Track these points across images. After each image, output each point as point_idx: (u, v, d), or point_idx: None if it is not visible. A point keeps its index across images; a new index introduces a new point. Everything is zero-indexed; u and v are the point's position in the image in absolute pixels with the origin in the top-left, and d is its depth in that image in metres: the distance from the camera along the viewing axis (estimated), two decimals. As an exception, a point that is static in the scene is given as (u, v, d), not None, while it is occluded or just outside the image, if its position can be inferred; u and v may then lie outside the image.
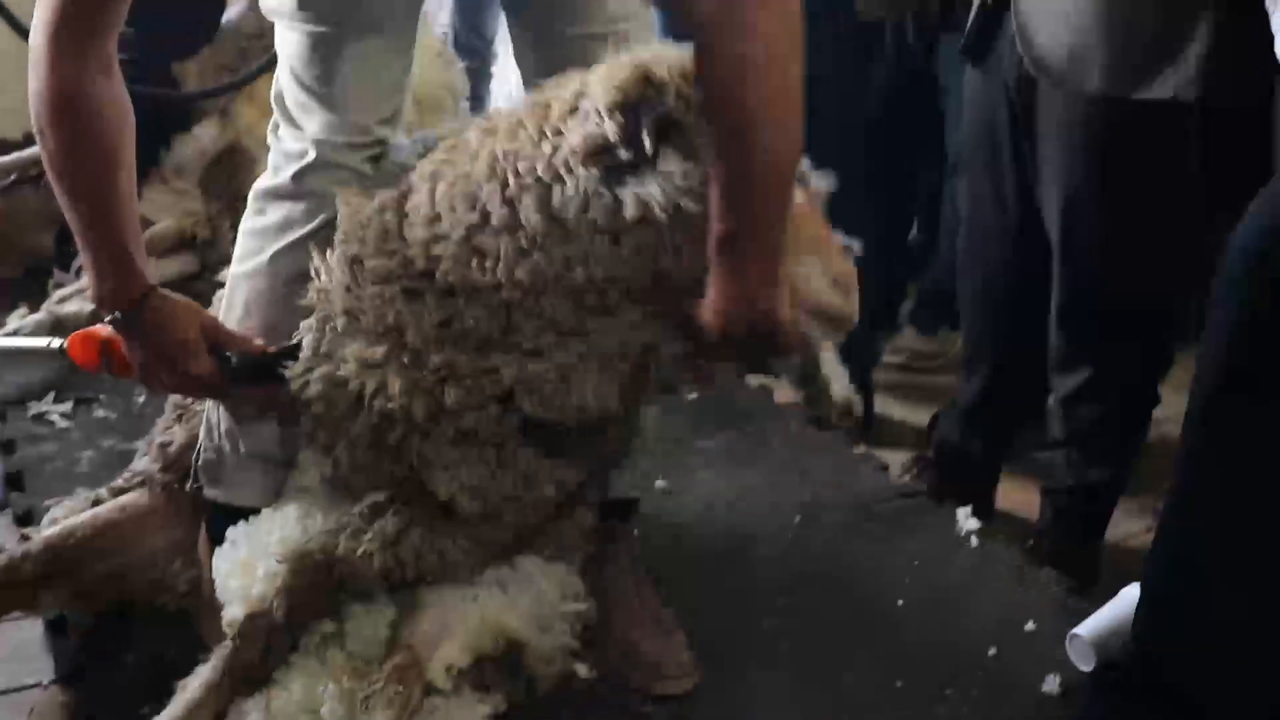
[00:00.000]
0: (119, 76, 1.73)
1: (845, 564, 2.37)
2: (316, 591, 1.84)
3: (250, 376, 1.86)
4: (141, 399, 2.87)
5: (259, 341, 1.87)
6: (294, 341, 1.85)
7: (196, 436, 2.06)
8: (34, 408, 2.82)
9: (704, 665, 2.05)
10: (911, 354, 3.47)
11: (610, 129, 1.59)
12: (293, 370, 1.83)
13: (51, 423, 2.78)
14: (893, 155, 3.16)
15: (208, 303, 2.01)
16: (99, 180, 1.72)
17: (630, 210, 1.61)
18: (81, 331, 1.90)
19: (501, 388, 1.77)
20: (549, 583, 1.96)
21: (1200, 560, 1.77)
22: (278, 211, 1.93)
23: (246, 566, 1.89)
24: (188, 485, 2.05)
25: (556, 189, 1.65)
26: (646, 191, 1.59)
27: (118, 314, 1.78)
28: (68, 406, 2.83)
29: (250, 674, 1.81)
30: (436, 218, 1.74)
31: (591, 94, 1.63)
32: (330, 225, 1.87)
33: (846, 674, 2.07)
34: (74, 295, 3.20)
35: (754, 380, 2.99)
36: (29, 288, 3.34)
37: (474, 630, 1.88)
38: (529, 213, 1.67)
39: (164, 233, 3.33)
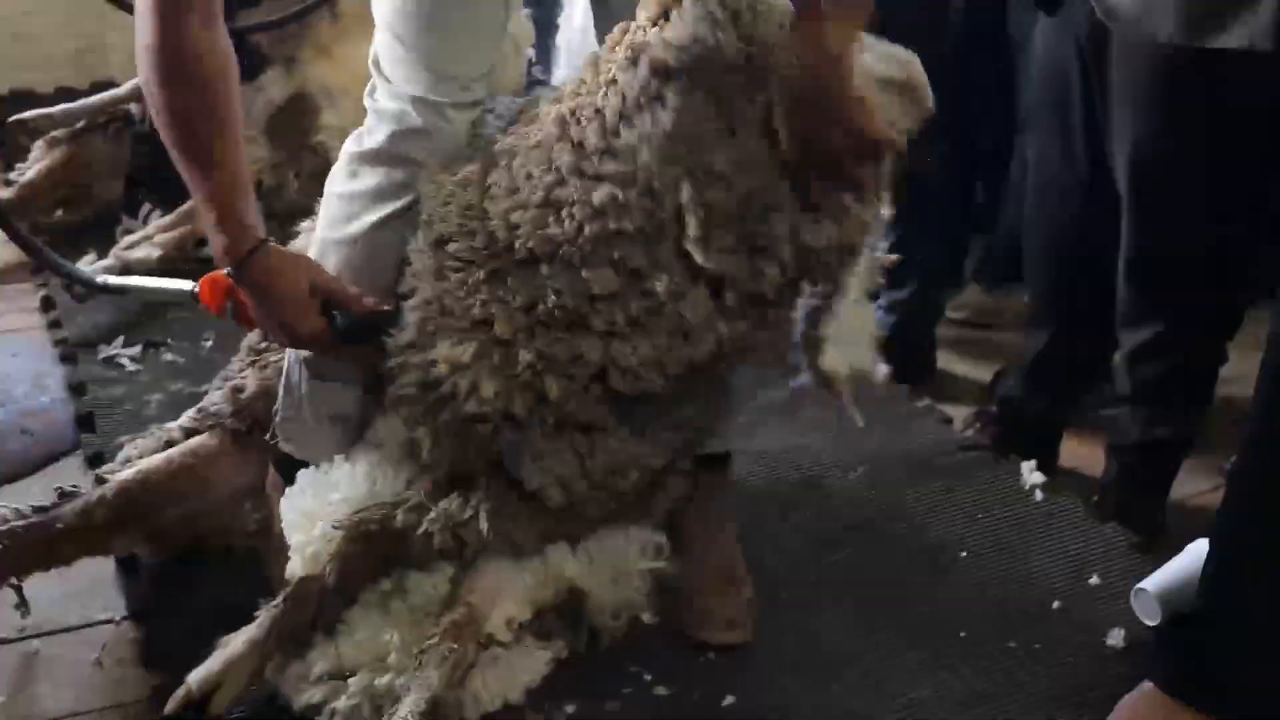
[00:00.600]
0: (223, 28, 1.73)
1: (907, 515, 2.37)
2: (370, 560, 1.84)
3: (357, 336, 1.85)
4: (209, 343, 2.90)
5: (370, 300, 1.85)
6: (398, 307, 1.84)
7: (269, 384, 2.07)
8: (104, 351, 2.86)
9: (765, 609, 2.06)
10: (975, 310, 3.42)
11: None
12: (389, 355, 1.83)
13: (121, 365, 2.81)
14: (961, 109, 3.10)
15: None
16: (208, 133, 1.72)
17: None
18: (212, 275, 1.88)
19: (594, 368, 1.75)
20: (629, 539, 1.96)
21: (1271, 518, 1.75)
22: (371, 177, 1.90)
23: (308, 519, 1.90)
24: (265, 436, 2.06)
25: (610, 106, 1.66)
26: None
27: (231, 270, 1.78)
28: (137, 350, 2.87)
29: (297, 636, 1.82)
30: (516, 189, 1.74)
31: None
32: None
33: (909, 624, 2.07)
34: (141, 242, 3.23)
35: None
36: (97, 234, 3.37)
37: (536, 583, 1.88)
38: (592, 138, 1.67)
39: None
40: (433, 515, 1.84)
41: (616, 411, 1.80)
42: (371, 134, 1.90)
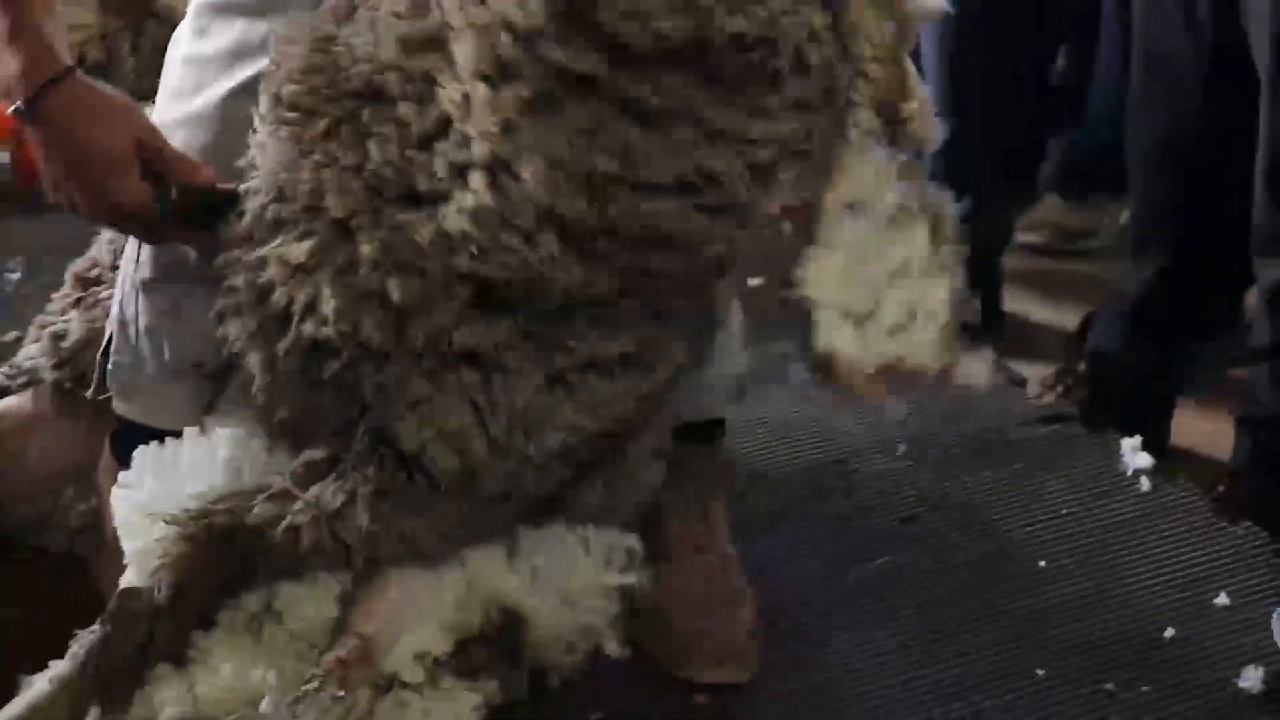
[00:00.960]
0: None
1: (966, 509, 2.37)
2: (218, 568, 1.80)
3: (191, 214, 1.80)
4: (15, 275, 2.87)
5: (208, 172, 1.82)
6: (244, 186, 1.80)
7: (99, 328, 2.04)
8: None
9: (778, 629, 2.06)
10: (1055, 231, 3.45)
11: None
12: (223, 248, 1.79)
13: (-107, 301, 2.79)
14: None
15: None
16: None
17: None
18: None
19: (461, 261, 1.67)
20: (589, 544, 1.92)
21: None
22: (226, 33, 1.89)
23: (149, 518, 1.85)
24: (89, 392, 2.03)
25: None
26: None
27: (21, 103, 1.74)
28: (-84, 281, 2.84)
29: (120, 673, 1.77)
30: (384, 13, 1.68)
31: None
32: None
33: (965, 655, 2.06)
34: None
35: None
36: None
37: (456, 602, 1.85)
38: None
39: None
40: (298, 505, 1.79)
41: (523, 343, 1.74)
42: None
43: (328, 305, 1.70)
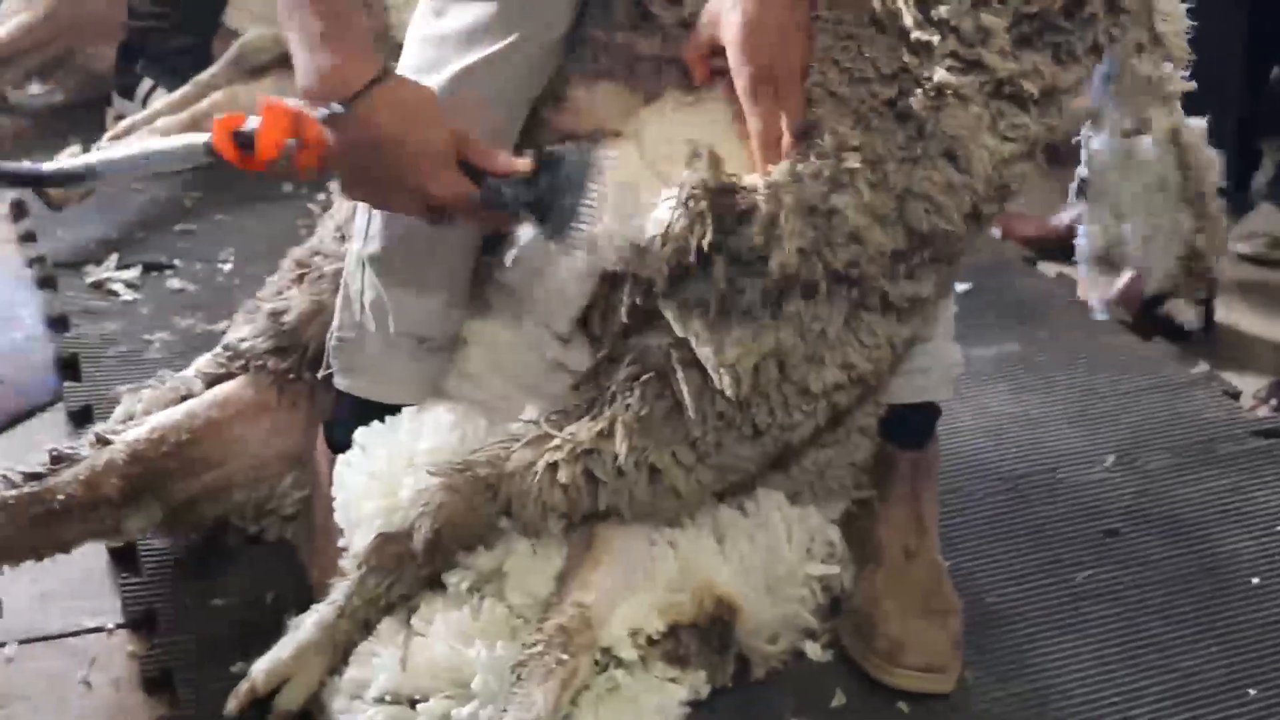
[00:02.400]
0: None
1: (1177, 524, 2.35)
2: (474, 518, 1.86)
3: (510, 205, 1.82)
4: (228, 265, 2.94)
5: (522, 161, 1.83)
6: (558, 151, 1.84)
7: (321, 304, 2.10)
8: (92, 273, 2.92)
9: (981, 640, 2.06)
10: (1271, 240, 3.36)
11: None
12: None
13: (114, 293, 2.87)
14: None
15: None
16: None
17: None
18: (268, 105, 1.79)
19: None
20: (792, 532, 1.95)
21: None
22: (463, 13, 1.92)
23: (383, 481, 1.93)
24: (318, 372, 2.09)
25: None
26: None
27: (336, 105, 1.75)
28: (134, 273, 2.93)
29: (376, 614, 1.85)
30: None
31: None
32: (540, 32, 1.88)
33: (1172, 672, 2.04)
34: (138, 127, 3.28)
35: (1052, 268, 2.94)
36: (83, 119, 3.43)
37: (671, 585, 1.88)
38: None
39: (259, 44, 3.38)
40: (556, 441, 1.86)
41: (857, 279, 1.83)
42: None
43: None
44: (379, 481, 1.93)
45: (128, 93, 3.48)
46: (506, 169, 1.80)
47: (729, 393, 1.82)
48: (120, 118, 3.40)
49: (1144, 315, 2.88)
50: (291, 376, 2.12)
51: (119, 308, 2.82)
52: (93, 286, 2.88)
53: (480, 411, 1.97)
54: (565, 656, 1.76)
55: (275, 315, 2.14)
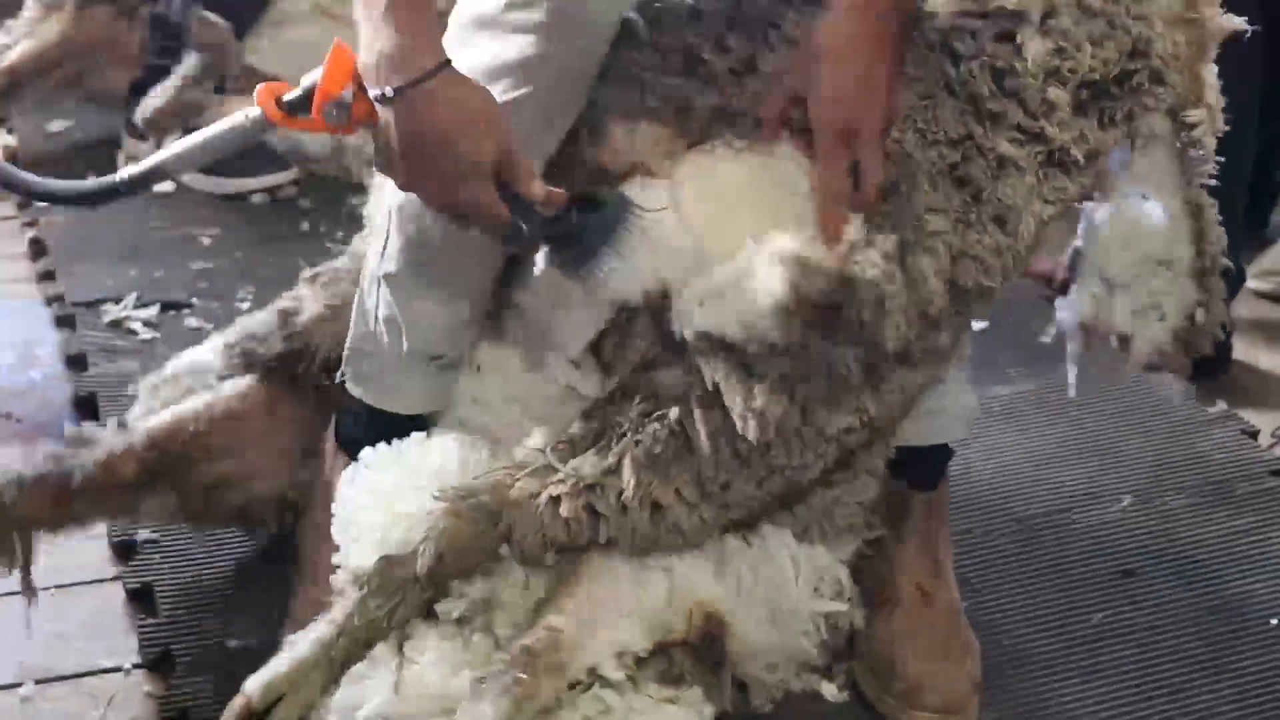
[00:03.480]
0: None
1: (1193, 565, 2.35)
2: (476, 545, 1.87)
3: (533, 235, 1.83)
4: (246, 303, 2.96)
5: (559, 194, 1.82)
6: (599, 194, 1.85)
7: (335, 309, 2.14)
8: (110, 312, 2.94)
9: (997, 682, 2.06)
10: (1288, 278, 3.36)
11: None
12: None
13: (132, 332, 2.89)
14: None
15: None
16: None
17: None
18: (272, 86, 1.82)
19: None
20: (799, 568, 1.96)
21: None
22: (488, 48, 1.90)
23: (385, 498, 1.95)
24: (331, 376, 2.12)
25: None
26: None
27: (390, 88, 1.72)
28: (152, 312, 2.94)
29: (374, 636, 1.86)
30: None
31: None
32: (564, 79, 1.88)
33: (1189, 714, 2.05)
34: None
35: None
36: (93, 157, 3.45)
37: (658, 601, 1.89)
38: None
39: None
40: (560, 474, 1.87)
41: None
42: None
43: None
44: (381, 501, 1.95)
45: (141, 134, 3.50)
46: (543, 199, 1.79)
47: (752, 438, 1.83)
48: (132, 158, 3.43)
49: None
50: (299, 376, 2.16)
51: (137, 346, 2.84)
52: (111, 325, 2.90)
53: (489, 439, 1.99)
54: (524, 676, 1.77)
55: (286, 314, 2.18)
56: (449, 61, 1.73)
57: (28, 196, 2.55)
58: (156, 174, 1.96)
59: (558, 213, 1.80)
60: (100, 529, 2.27)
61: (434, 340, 2.03)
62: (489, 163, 1.74)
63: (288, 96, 1.82)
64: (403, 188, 1.83)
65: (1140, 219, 1.85)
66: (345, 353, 2.10)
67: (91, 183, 1.99)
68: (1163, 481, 2.53)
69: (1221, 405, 2.80)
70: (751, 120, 1.87)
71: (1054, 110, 1.77)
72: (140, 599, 2.20)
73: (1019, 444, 2.62)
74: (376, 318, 2.04)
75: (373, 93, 1.73)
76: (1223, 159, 2.86)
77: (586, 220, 1.82)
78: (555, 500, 1.85)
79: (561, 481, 1.86)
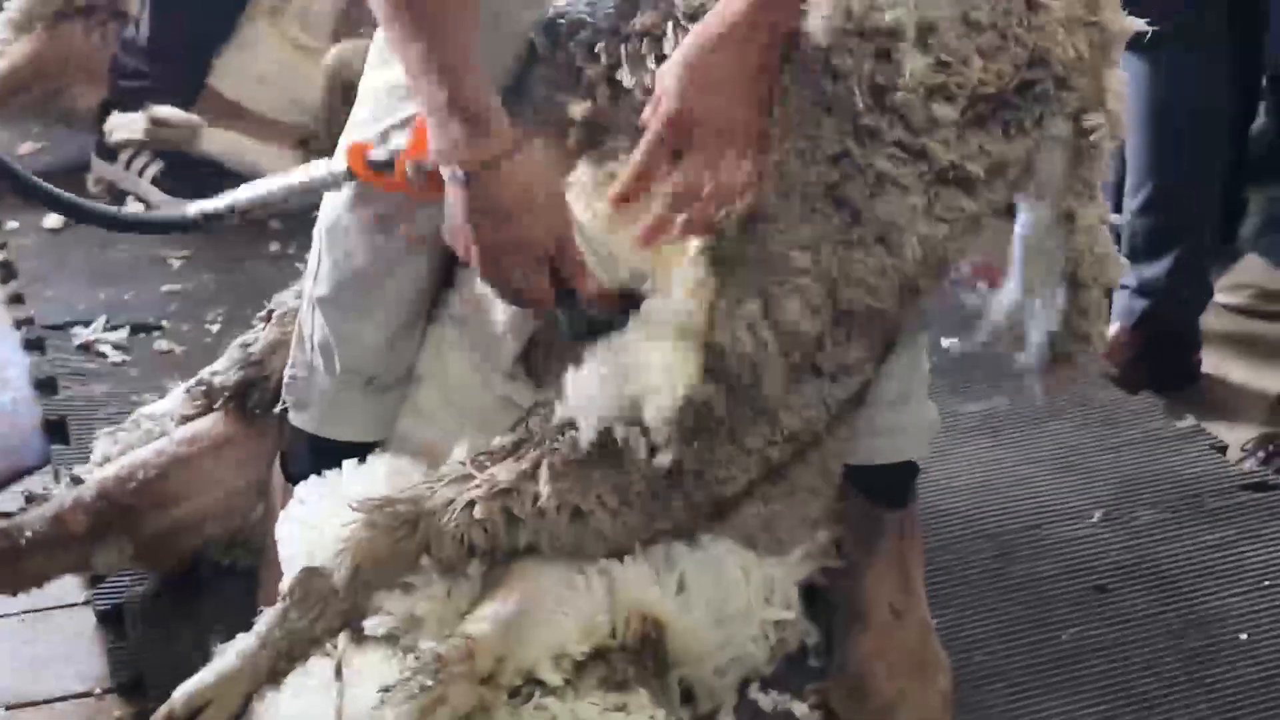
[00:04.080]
0: None
1: (1165, 579, 2.35)
2: (394, 555, 1.88)
3: (578, 330, 1.90)
4: (216, 326, 2.96)
5: (600, 285, 1.88)
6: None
7: (286, 337, 2.15)
8: (79, 335, 2.93)
9: (970, 699, 2.06)
10: (1257, 292, 3.37)
11: None
12: None
13: (102, 355, 2.88)
14: (1238, 16, 3.08)
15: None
16: None
17: None
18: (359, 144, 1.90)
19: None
20: (750, 574, 1.97)
21: None
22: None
23: (312, 528, 1.97)
24: (277, 406, 2.14)
25: None
26: None
27: (462, 170, 1.80)
28: (122, 335, 2.94)
29: (297, 647, 1.88)
30: None
31: None
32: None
33: (1167, 732, 2.05)
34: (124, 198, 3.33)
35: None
36: (63, 180, 3.41)
37: (594, 605, 1.89)
38: None
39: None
40: (477, 480, 1.88)
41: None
42: None
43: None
44: (308, 528, 1.96)
45: (110, 156, 3.49)
46: (593, 294, 1.87)
47: (665, 455, 1.85)
48: (100, 181, 3.45)
49: (1131, 369, 2.91)
50: (259, 410, 2.16)
51: (107, 369, 2.84)
52: (81, 348, 2.90)
53: (427, 453, 2.00)
54: (430, 683, 1.77)
55: (244, 346, 2.20)
56: (518, 143, 1.80)
57: (105, 226, 2.55)
58: (230, 213, 2.04)
59: (605, 314, 1.88)
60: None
61: (368, 361, 2.04)
62: (543, 247, 1.82)
63: (373, 155, 1.90)
64: (461, 255, 1.89)
65: (1028, 217, 1.87)
66: (285, 380, 2.11)
67: (161, 214, 2.02)
68: (1133, 497, 2.54)
69: (1191, 420, 2.80)
70: (628, 131, 1.90)
71: (937, 126, 1.77)
72: (111, 622, 2.20)
73: (990, 460, 2.63)
74: (312, 343, 2.06)
75: (445, 171, 1.80)
76: (1194, 176, 2.92)
77: (625, 321, 1.88)
78: (470, 505, 1.86)
79: (478, 486, 1.87)
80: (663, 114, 1.82)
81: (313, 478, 2.04)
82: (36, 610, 2.21)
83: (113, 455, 2.19)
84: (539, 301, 1.87)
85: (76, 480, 2.14)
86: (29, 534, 2.05)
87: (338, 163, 1.95)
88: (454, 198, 1.83)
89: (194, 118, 3.42)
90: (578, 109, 1.94)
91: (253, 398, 2.18)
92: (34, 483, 2.47)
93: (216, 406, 2.19)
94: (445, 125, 1.78)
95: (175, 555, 2.18)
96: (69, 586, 2.25)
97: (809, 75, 1.81)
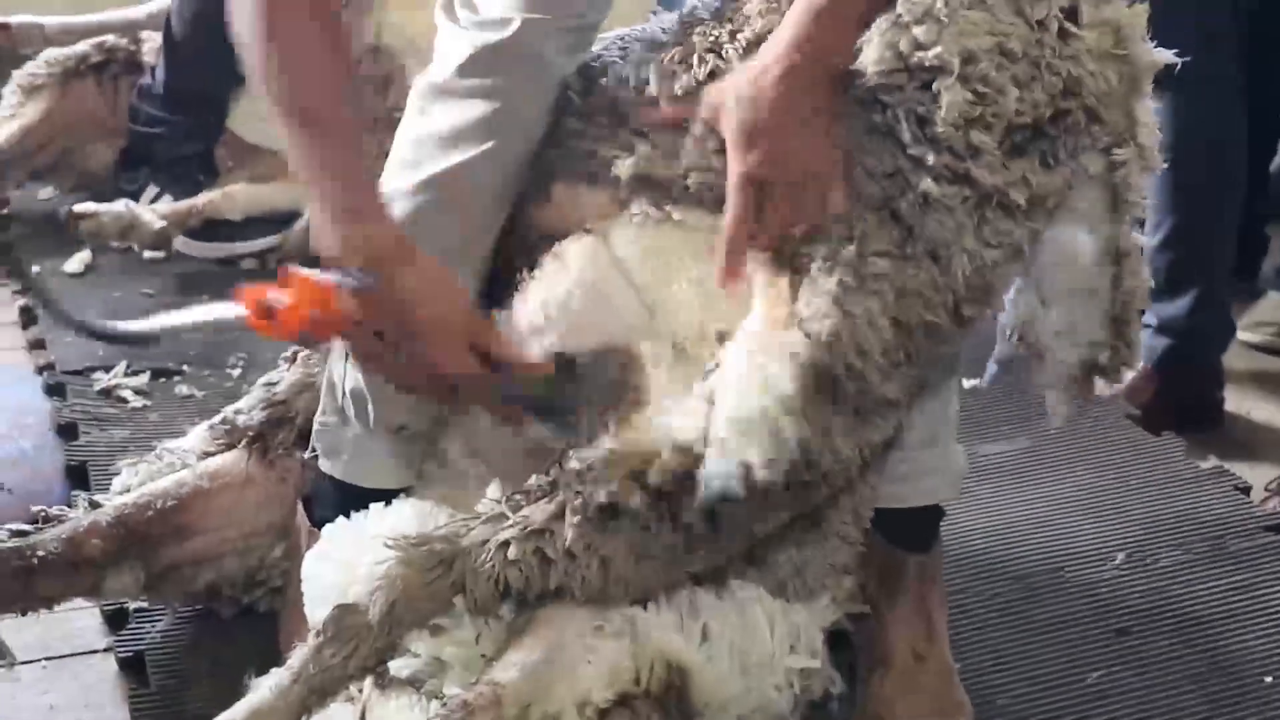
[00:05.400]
0: None
1: (1188, 622, 2.35)
2: (429, 594, 1.87)
3: (523, 400, 1.91)
4: (237, 370, 2.98)
5: (541, 362, 1.90)
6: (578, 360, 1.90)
7: (311, 382, 2.16)
8: (101, 380, 2.94)
9: None
10: (1278, 330, 3.37)
11: None
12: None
13: (123, 400, 2.90)
14: (1252, 37, 3.09)
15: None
16: (325, 67, 1.81)
17: None
18: (283, 280, 1.88)
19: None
20: (774, 622, 1.95)
21: None
22: (445, 114, 1.98)
23: (348, 562, 1.97)
24: (305, 453, 2.15)
25: None
26: None
27: (365, 276, 1.80)
28: (143, 379, 2.95)
29: (330, 684, 1.85)
30: None
31: None
32: (520, 139, 1.92)
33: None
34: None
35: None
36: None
37: (619, 653, 1.88)
38: None
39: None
40: (511, 520, 1.87)
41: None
42: (446, 61, 1.99)
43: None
44: (340, 564, 1.97)
45: (132, 200, 3.52)
46: (522, 362, 1.88)
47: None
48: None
49: (1153, 409, 2.91)
50: (281, 451, 2.18)
51: (128, 415, 2.85)
52: (101, 393, 2.91)
53: (451, 502, 2.00)
54: None
55: (268, 385, 2.22)
56: (403, 238, 1.82)
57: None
58: (153, 336, 2.21)
59: (543, 377, 1.89)
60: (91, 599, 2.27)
61: (400, 410, 2.05)
62: (462, 328, 1.83)
63: (268, 298, 1.86)
64: (386, 376, 1.90)
65: (1073, 249, 1.87)
66: (315, 427, 2.12)
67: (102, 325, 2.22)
68: (1156, 539, 2.54)
69: (1213, 461, 2.80)
70: (677, 188, 1.92)
71: (980, 154, 1.78)
72: (132, 669, 2.20)
73: (1012, 502, 2.63)
74: (344, 390, 2.06)
75: (347, 284, 1.79)
76: (1214, 213, 2.92)
77: (569, 384, 1.89)
78: (505, 545, 1.85)
79: (511, 526, 1.86)
80: (738, 180, 1.82)
81: (340, 519, 2.04)
82: (57, 657, 2.21)
83: (133, 486, 2.21)
84: (468, 378, 1.86)
85: (95, 505, 2.16)
86: (41, 554, 2.06)
87: (238, 307, 1.92)
88: (362, 310, 1.81)
89: (161, 221, 3.42)
90: (625, 168, 1.95)
91: (276, 438, 2.19)
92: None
93: (239, 446, 2.21)
94: (340, 226, 1.80)
95: (189, 588, 2.20)
96: (90, 633, 2.26)
97: (858, 106, 1.83)
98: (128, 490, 2.20)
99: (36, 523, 2.12)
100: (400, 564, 1.86)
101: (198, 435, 2.29)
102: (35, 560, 2.05)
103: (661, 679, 1.88)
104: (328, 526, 2.04)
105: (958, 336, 1.90)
